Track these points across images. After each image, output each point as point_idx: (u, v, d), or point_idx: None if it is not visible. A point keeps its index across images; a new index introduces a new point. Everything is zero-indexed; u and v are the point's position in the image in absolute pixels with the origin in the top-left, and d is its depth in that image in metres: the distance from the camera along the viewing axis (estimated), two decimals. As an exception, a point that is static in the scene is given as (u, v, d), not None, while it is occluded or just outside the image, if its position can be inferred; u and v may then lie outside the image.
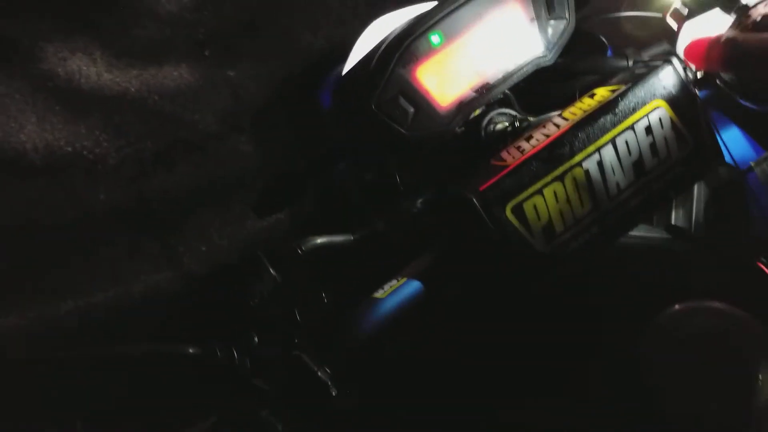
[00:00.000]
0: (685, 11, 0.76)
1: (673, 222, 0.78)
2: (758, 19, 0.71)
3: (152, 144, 1.72)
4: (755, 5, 0.72)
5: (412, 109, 0.68)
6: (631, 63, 0.76)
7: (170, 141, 1.73)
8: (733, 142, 0.83)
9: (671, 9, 0.77)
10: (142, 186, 1.67)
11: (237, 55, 1.87)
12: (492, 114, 0.74)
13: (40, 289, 1.58)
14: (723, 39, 0.69)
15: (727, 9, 0.73)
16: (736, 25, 0.71)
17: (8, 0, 1.90)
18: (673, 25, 0.77)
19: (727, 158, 0.78)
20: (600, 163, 0.64)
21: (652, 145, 0.66)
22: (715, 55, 0.68)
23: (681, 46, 0.76)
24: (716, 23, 0.75)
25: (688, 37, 0.74)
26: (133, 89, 1.79)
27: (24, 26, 1.85)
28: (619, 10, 0.90)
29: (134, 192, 1.66)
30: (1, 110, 1.72)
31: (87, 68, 1.81)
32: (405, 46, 0.67)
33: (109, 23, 1.88)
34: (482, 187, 0.63)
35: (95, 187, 1.64)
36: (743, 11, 0.72)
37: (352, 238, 0.77)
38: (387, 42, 0.71)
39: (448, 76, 0.70)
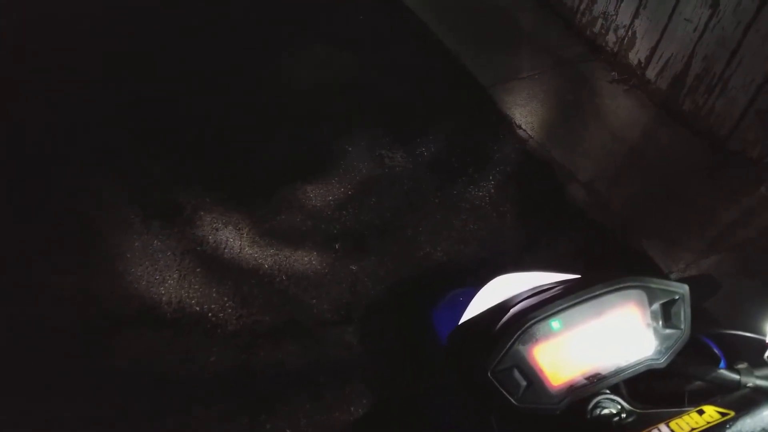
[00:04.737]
0: None
1: None
2: None
3: (270, 319, 1.83)
4: None
5: (524, 383, 0.71)
6: (742, 380, 0.75)
7: (286, 319, 1.84)
8: None
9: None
10: (250, 356, 1.75)
11: (363, 253, 2.04)
12: (600, 398, 0.74)
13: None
14: None
15: None
16: None
17: (187, 172, 2.28)
18: None
19: None
20: None
21: None
22: None
23: None
24: None
25: None
26: (266, 266, 1.97)
27: (193, 196, 2.18)
28: (735, 327, 0.90)
29: (241, 360, 1.74)
30: (152, 263, 1.95)
31: (233, 240, 2.04)
32: (527, 327, 0.70)
33: (263, 207, 2.16)
34: None
35: (209, 349, 1.74)
36: None
37: None
38: (511, 314, 0.75)
39: (562, 359, 0.72)
